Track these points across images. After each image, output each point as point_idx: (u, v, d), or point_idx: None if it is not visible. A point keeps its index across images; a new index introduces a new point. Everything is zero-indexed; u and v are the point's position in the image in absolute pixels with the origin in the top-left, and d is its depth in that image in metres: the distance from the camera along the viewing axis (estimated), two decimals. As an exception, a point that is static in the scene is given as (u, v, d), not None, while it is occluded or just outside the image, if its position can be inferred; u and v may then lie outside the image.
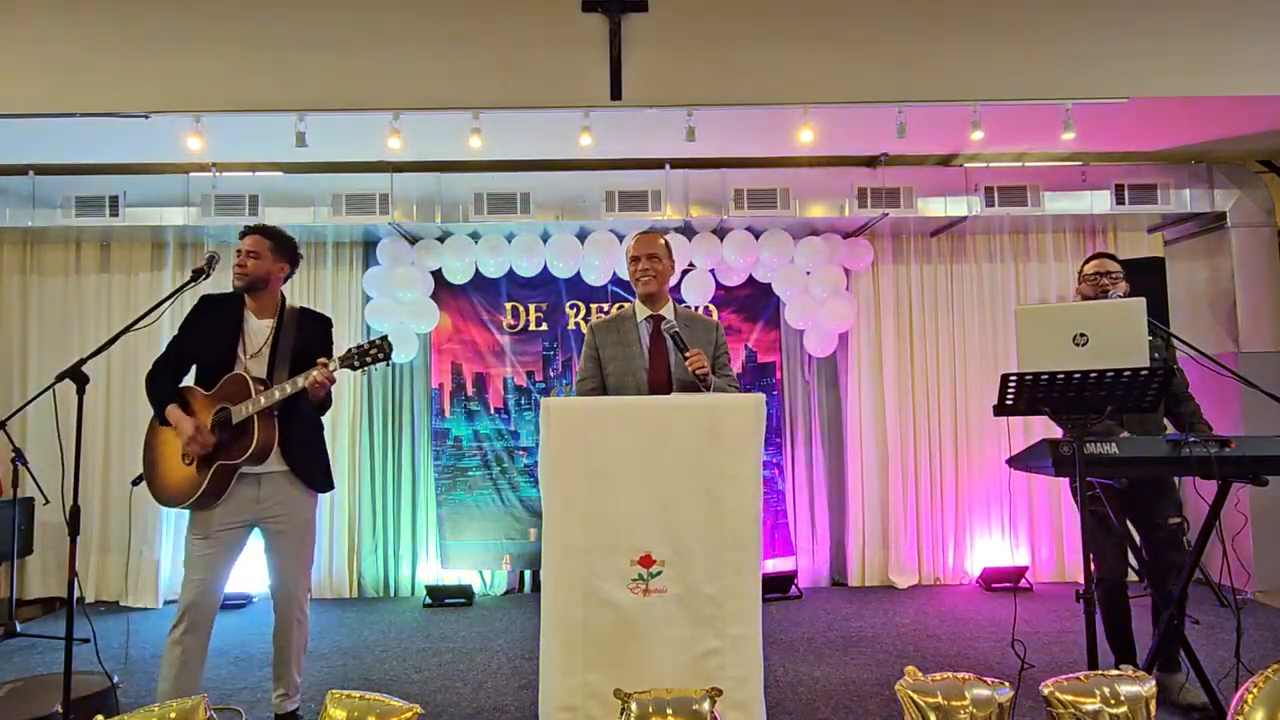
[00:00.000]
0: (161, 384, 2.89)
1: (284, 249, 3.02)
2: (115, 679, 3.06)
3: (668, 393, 2.90)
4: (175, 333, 2.95)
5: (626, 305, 3.18)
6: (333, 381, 2.80)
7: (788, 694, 3.45)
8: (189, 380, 2.94)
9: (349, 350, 2.81)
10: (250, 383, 2.79)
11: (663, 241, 3.11)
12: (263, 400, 2.75)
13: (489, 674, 3.82)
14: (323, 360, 2.77)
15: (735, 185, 5.14)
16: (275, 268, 2.98)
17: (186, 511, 2.86)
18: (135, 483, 2.91)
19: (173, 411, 2.82)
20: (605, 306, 5.58)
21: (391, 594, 5.51)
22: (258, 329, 2.95)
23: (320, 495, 3.04)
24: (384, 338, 2.83)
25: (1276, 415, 3.17)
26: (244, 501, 2.85)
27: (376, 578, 5.53)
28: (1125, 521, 3.19)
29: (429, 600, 5.23)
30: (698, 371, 2.80)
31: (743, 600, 2.44)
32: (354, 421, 5.53)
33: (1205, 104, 4.34)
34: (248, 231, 2.98)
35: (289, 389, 2.76)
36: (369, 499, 5.54)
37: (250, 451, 2.75)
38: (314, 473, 2.98)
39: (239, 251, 2.93)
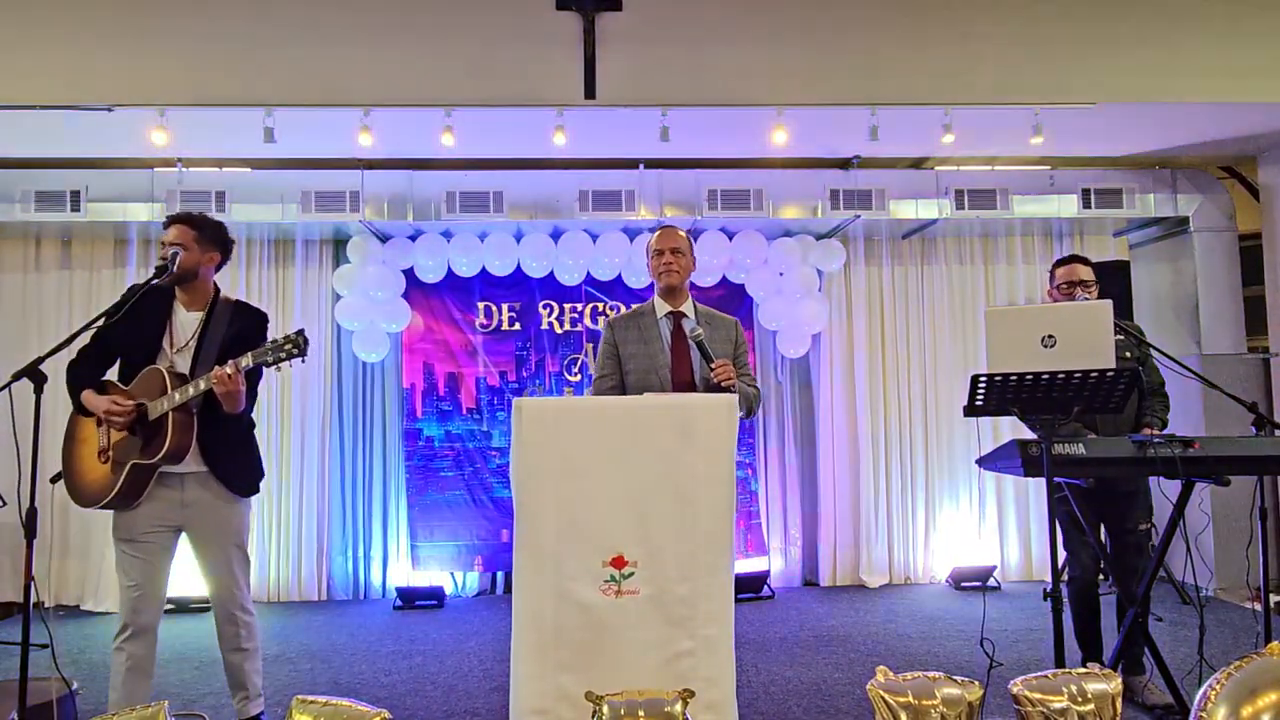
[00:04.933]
0: (82, 373, 2.74)
1: (212, 237, 2.83)
2: (74, 685, 2.99)
3: (692, 392, 2.89)
4: (100, 323, 2.76)
5: (644, 302, 3.15)
6: (234, 382, 2.59)
7: (760, 694, 3.45)
8: (113, 374, 2.80)
9: (263, 345, 2.65)
10: (167, 378, 2.64)
11: (684, 235, 3.09)
12: (176, 397, 2.61)
13: (460, 676, 3.79)
14: (232, 361, 2.59)
15: (709, 186, 5.14)
16: (204, 258, 2.80)
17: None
18: (54, 480, 2.76)
19: (88, 396, 2.69)
20: (579, 306, 5.56)
21: (361, 596, 5.45)
22: (186, 322, 2.81)
23: (251, 499, 2.89)
24: (299, 332, 2.63)
25: (1238, 416, 3.23)
26: (167, 504, 2.71)
27: (346, 580, 5.46)
28: (1098, 523, 3.23)
29: (399, 602, 5.17)
30: (724, 383, 2.80)
31: (715, 601, 2.43)
32: (324, 422, 5.45)
33: (1170, 110, 4.43)
34: (171, 221, 2.80)
35: (203, 385, 2.61)
36: (339, 500, 5.47)
37: (164, 451, 2.60)
38: (235, 476, 2.81)
39: (162, 244, 2.78)
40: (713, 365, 2.81)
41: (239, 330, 2.82)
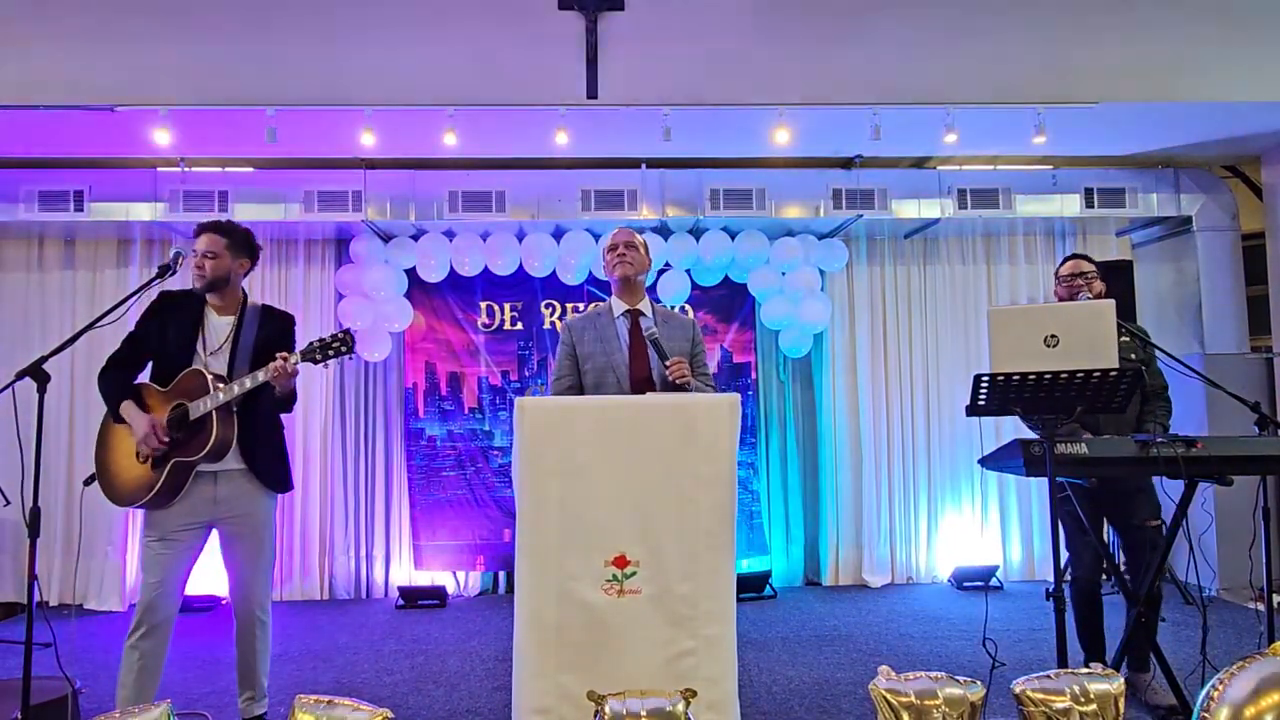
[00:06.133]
0: (115, 381, 2.82)
1: (242, 245, 2.94)
2: (77, 684, 2.99)
3: (649, 390, 2.89)
4: (132, 328, 2.88)
5: (602, 302, 3.17)
6: (294, 374, 2.75)
7: (762, 694, 3.45)
8: (144, 378, 2.87)
9: (310, 344, 2.75)
10: (209, 378, 2.72)
11: (640, 236, 3.13)
12: (221, 395, 2.68)
13: (462, 676, 3.79)
14: (282, 354, 2.71)
15: (711, 185, 5.14)
16: (235, 265, 2.90)
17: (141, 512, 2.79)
18: (87, 482, 2.81)
19: (128, 408, 2.75)
20: (581, 306, 5.56)
21: (364, 595, 5.45)
22: (219, 326, 2.89)
23: (280, 495, 2.98)
24: (347, 330, 2.78)
25: (1241, 416, 3.22)
26: (201, 501, 2.77)
27: (348, 579, 5.46)
28: (1100, 522, 3.22)
29: (402, 601, 5.17)
30: (678, 380, 2.81)
31: (717, 601, 2.43)
32: (326, 421, 5.46)
33: (1173, 110, 4.42)
34: (203, 230, 2.89)
35: (248, 383, 2.71)
36: (341, 499, 5.47)
37: (208, 448, 2.68)
38: (272, 472, 2.91)
39: (195, 252, 2.86)
40: (668, 364, 2.82)
41: (269, 333, 2.92)
